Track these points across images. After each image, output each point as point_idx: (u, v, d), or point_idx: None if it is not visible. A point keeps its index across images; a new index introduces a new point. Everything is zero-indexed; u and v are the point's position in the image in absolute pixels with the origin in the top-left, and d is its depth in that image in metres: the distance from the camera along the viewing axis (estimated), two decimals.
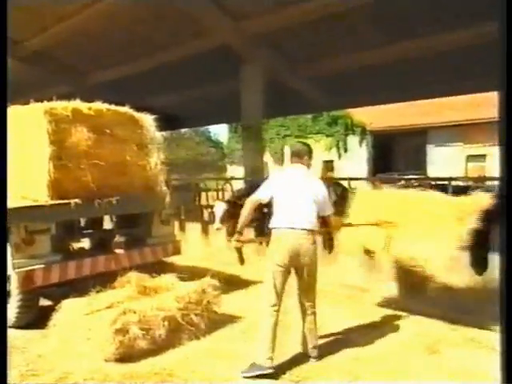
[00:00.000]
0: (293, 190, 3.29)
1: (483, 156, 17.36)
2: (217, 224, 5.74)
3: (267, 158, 20.88)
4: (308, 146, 3.58)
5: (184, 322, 3.71)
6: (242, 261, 6.51)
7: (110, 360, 3.27)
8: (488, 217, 4.10)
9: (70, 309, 3.78)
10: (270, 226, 3.29)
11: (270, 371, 3.05)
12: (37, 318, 4.04)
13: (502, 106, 1.15)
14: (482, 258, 4.38)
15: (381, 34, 7.63)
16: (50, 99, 4.27)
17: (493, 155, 16.71)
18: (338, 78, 9.57)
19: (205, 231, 7.20)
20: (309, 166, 3.48)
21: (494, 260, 4.28)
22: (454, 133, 17.88)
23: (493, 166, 16.26)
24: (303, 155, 3.45)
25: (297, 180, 3.35)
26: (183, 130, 31.63)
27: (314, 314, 3.35)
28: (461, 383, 2.98)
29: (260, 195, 3.34)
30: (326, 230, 3.74)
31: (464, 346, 3.60)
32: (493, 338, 3.55)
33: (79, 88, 10.10)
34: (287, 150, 3.79)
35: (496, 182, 6.84)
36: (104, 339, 3.33)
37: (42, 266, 4.01)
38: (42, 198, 4.02)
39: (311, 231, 3.22)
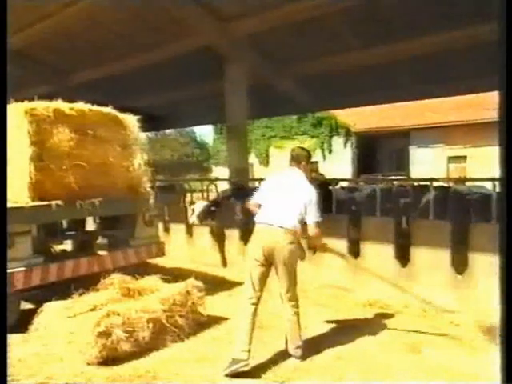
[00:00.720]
0: (282, 191, 3.41)
1: (464, 157, 17.71)
2: (193, 218, 5.74)
3: (252, 159, 20.90)
4: (307, 151, 3.72)
5: (168, 324, 3.69)
6: (225, 263, 6.52)
7: (93, 363, 3.24)
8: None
9: (51, 312, 3.73)
10: (255, 220, 3.42)
11: (247, 364, 3.05)
12: (18, 322, 3.97)
13: (502, 106, 1.17)
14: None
15: (365, 36, 7.72)
16: (30, 99, 4.20)
17: (473, 156, 17.07)
18: (323, 80, 9.64)
19: (189, 232, 7.17)
20: (306, 171, 3.57)
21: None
22: (435, 134, 18.19)
23: (473, 167, 16.60)
24: (301, 160, 3.56)
25: (289, 182, 3.46)
26: (168, 131, 31.45)
27: (296, 314, 3.36)
28: (461, 383, 3.01)
29: (256, 199, 3.55)
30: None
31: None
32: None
33: (61, 88, 9.96)
34: (276, 153, 3.78)
35: (477, 183, 7.00)
36: (87, 342, 3.29)
37: (23, 268, 3.94)
38: (23, 199, 3.95)
39: (290, 231, 3.25)
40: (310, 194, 3.38)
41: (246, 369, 3.06)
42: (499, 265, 1.19)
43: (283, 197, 3.37)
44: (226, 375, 3.05)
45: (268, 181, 3.63)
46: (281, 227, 3.24)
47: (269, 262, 3.28)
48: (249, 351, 3.10)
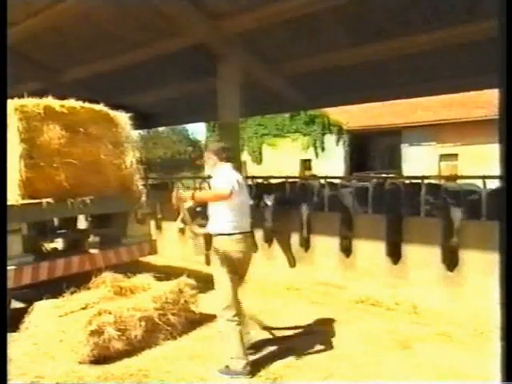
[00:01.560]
0: (239, 192, 3.13)
1: (455, 155, 17.83)
2: (178, 222, 5.65)
3: (245, 156, 20.88)
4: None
5: (161, 322, 3.68)
6: (208, 262, 6.50)
7: (85, 362, 3.22)
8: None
9: (43, 311, 3.70)
10: (219, 231, 3.12)
11: (249, 377, 3.05)
12: (8, 321, 3.93)
13: (502, 103, 1.18)
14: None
15: (357, 34, 7.73)
16: (20, 96, 4.15)
17: (464, 154, 17.20)
18: (315, 78, 9.65)
19: (181, 230, 7.14)
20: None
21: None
22: (427, 133, 18.30)
23: (464, 165, 16.75)
24: (229, 153, 3.41)
25: (240, 181, 3.20)
26: (161, 129, 31.31)
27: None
28: (461, 383, 3.02)
29: (228, 186, 3.04)
30: None
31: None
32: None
33: (52, 85, 9.86)
34: (214, 148, 3.67)
35: (468, 180, 7.05)
36: (78, 341, 3.27)
37: (13, 267, 3.90)
38: (13, 197, 3.91)
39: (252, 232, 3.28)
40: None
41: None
42: (499, 263, 1.19)
43: (242, 199, 3.17)
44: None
45: (228, 176, 3.17)
46: (249, 232, 3.19)
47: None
48: (248, 364, 3.06)
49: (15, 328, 3.67)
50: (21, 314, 3.73)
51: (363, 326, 4.04)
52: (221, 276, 3.10)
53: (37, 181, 4.04)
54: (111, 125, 4.74)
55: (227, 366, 3.09)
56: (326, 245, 5.46)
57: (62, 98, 4.42)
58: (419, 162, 17.79)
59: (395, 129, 18.97)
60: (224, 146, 3.47)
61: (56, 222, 5.59)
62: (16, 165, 3.91)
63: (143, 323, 3.54)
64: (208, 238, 3.15)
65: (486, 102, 13.96)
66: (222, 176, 3.19)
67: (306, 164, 20.94)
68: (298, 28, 7.54)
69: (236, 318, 3.08)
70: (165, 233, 7.30)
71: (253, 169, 20.44)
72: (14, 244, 3.98)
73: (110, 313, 3.44)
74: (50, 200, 4.01)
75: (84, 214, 5.16)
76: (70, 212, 4.35)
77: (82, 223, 5.93)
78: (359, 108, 16.51)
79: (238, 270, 3.14)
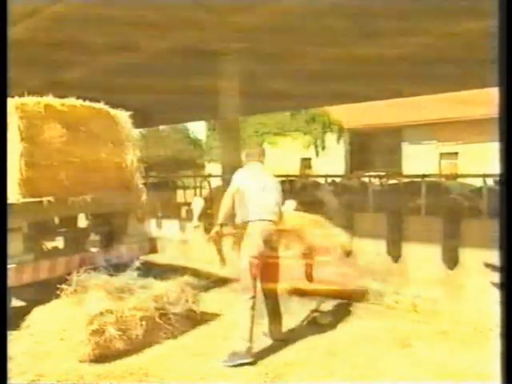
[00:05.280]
0: (259, 185, 3.53)
1: (455, 154, 17.81)
2: (194, 222, 5.64)
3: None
4: (262, 147, 3.92)
5: (161, 322, 3.68)
6: (223, 261, 6.45)
7: (85, 361, 3.22)
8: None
9: (44, 309, 3.71)
10: (244, 219, 3.44)
11: (251, 360, 3.15)
12: (9, 320, 3.93)
13: (502, 102, 1.18)
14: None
15: (357, 33, 7.72)
16: (21, 95, 4.15)
17: (464, 153, 17.19)
18: (315, 76, 9.64)
19: (182, 229, 7.15)
20: (262, 163, 3.80)
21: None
22: (427, 131, 18.27)
23: (464, 164, 16.73)
24: (259, 155, 3.80)
25: (260, 176, 3.63)
26: (161, 127, 31.23)
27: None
28: (461, 383, 3.02)
29: (236, 185, 3.50)
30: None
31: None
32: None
33: (52, 83, 9.85)
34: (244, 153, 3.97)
35: (468, 179, 7.05)
36: (80, 340, 3.27)
37: (14, 265, 3.90)
38: (14, 196, 3.91)
39: (275, 221, 3.48)
40: (278, 183, 3.85)
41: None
42: (499, 262, 1.19)
43: (262, 191, 3.53)
44: (229, 366, 3.13)
45: (241, 174, 3.67)
46: (270, 220, 3.46)
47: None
48: (251, 348, 3.21)
49: (15, 326, 3.67)
50: (21, 313, 3.73)
51: (363, 323, 4.04)
52: (244, 258, 3.35)
53: (37, 179, 4.04)
54: (112, 123, 4.74)
55: (231, 353, 3.17)
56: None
57: (63, 96, 4.42)
58: (419, 160, 17.76)
59: (396, 127, 18.94)
60: (249, 150, 3.95)
61: (56, 220, 5.59)
62: (16, 163, 3.91)
63: (144, 323, 3.54)
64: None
65: (486, 100, 13.92)
66: (236, 176, 3.64)
67: (306, 163, 20.91)
68: (300, 25, 7.51)
69: (251, 301, 3.25)
70: (165, 231, 7.29)
71: None
72: (15, 242, 3.97)
73: (111, 312, 3.43)
74: (50, 198, 4.01)
75: (84, 212, 5.16)
76: (70, 211, 4.36)
77: (82, 222, 5.93)
78: (360, 106, 16.48)
79: (261, 254, 3.34)
